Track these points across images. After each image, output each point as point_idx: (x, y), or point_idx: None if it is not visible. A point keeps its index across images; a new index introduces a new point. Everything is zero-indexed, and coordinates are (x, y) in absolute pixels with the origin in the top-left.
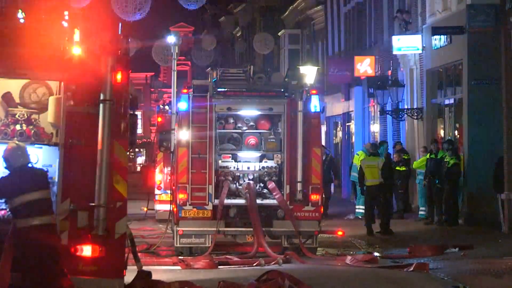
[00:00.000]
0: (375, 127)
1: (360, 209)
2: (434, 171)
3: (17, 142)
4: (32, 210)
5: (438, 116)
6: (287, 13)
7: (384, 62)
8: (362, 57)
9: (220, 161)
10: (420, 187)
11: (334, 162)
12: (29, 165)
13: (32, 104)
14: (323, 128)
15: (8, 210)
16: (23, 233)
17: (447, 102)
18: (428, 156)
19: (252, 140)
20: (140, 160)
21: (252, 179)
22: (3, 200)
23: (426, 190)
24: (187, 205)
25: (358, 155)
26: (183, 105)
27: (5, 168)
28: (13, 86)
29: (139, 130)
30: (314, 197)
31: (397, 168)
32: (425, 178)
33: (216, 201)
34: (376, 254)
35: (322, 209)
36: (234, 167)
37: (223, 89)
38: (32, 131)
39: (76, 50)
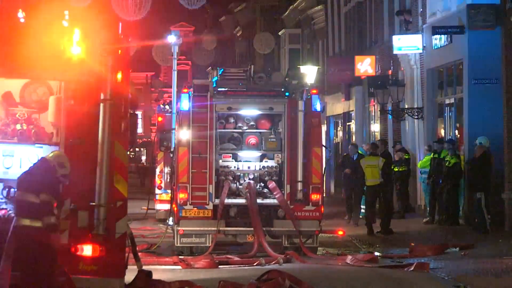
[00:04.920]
0: (376, 127)
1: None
2: (437, 171)
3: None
4: (30, 210)
5: (438, 116)
6: (287, 12)
7: (385, 61)
8: (363, 57)
9: (220, 161)
10: (425, 186)
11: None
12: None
13: (32, 104)
14: (324, 128)
15: (9, 208)
16: (20, 232)
17: (447, 101)
18: (432, 155)
19: (252, 140)
20: (142, 159)
21: (253, 179)
22: (3, 200)
23: (430, 190)
24: (188, 204)
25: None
26: (183, 105)
27: None
28: (14, 85)
29: (140, 130)
30: (315, 196)
31: (398, 168)
32: (429, 178)
33: (217, 201)
34: (376, 253)
35: (322, 209)
36: (235, 167)
37: (223, 89)
38: (33, 131)
39: (77, 50)
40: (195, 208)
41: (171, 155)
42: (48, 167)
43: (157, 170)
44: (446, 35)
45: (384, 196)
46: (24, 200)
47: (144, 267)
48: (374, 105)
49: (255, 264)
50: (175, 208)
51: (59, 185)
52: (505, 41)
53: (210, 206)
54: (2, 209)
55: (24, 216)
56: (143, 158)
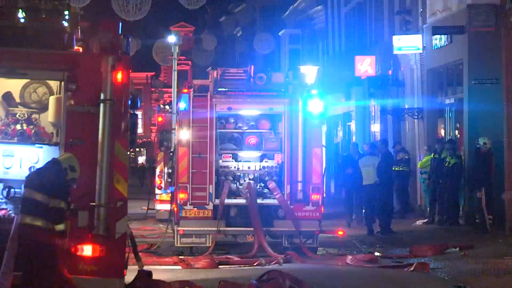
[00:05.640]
0: (376, 127)
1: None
2: (438, 171)
3: (70, 155)
4: (35, 209)
5: (438, 116)
6: (287, 13)
7: (385, 62)
8: (363, 57)
9: (220, 161)
10: (425, 187)
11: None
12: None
13: (32, 104)
14: (324, 128)
15: (10, 209)
16: (22, 230)
17: (447, 102)
18: (432, 156)
19: (252, 140)
20: (141, 159)
21: (253, 179)
22: (3, 200)
23: (430, 190)
24: (188, 204)
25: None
26: (183, 105)
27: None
28: (14, 85)
29: (140, 130)
30: (315, 196)
31: (398, 168)
32: (429, 178)
33: (217, 201)
34: (376, 253)
35: (322, 209)
36: (235, 167)
37: (223, 89)
38: (33, 131)
39: (77, 50)
40: (195, 208)
41: (171, 155)
42: (60, 169)
43: (157, 170)
44: (446, 35)
45: (380, 196)
46: (31, 198)
47: (144, 267)
48: (374, 105)
49: (255, 264)
50: (175, 208)
51: (69, 189)
52: (505, 41)
53: (210, 206)
54: (2, 209)
55: (27, 213)
56: (143, 158)
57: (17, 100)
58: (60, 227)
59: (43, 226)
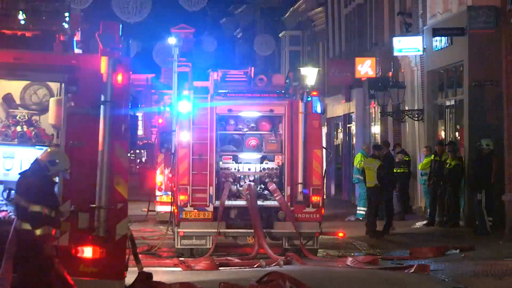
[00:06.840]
0: (376, 129)
1: (361, 210)
2: (438, 173)
3: (50, 149)
4: (25, 215)
5: (439, 118)
6: (288, 14)
7: (385, 63)
8: (363, 59)
9: (221, 163)
10: (425, 188)
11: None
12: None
13: (33, 106)
14: (324, 130)
15: (10, 210)
16: (20, 235)
17: (448, 103)
18: (432, 157)
19: (253, 142)
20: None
21: (253, 181)
22: (3, 201)
23: (430, 192)
24: (188, 206)
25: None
26: (184, 107)
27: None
28: (14, 87)
29: (140, 132)
30: (315, 198)
31: (399, 169)
32: (429, 180)
33: (217, 203)
34: (377, 255)
35: (323, 211)
36: (235, 169)
37: (224, 91)
38: (33, 133)
39: (77, 51)
40: (196, 210)
41: (172, 157)
42: (38, 168)
43: (158, 172)
44: (446, 37)
45: (379, 198)
46: (19, 204)
47: (145, 269)
48: (374, 107)
49: (255, 266)
50: (175, 210)
51: (51, 187)
52: (505, 43)
53: (211, 208)
54: (3, 211)
55: (22, 219)
56: (143, 159)
57: (18, 101)
58: (38, 232)
59: (40, 232)
